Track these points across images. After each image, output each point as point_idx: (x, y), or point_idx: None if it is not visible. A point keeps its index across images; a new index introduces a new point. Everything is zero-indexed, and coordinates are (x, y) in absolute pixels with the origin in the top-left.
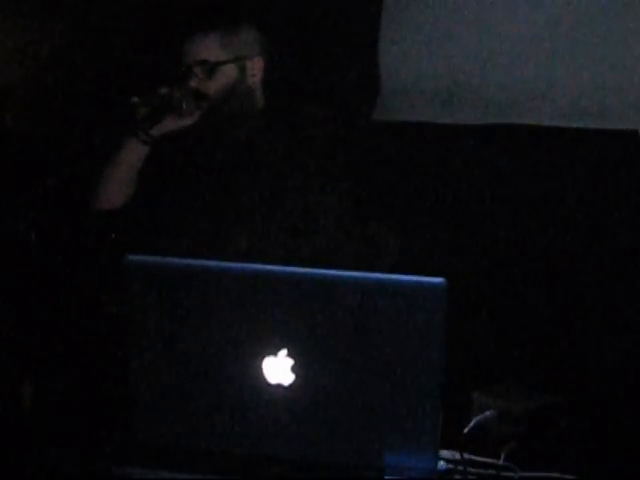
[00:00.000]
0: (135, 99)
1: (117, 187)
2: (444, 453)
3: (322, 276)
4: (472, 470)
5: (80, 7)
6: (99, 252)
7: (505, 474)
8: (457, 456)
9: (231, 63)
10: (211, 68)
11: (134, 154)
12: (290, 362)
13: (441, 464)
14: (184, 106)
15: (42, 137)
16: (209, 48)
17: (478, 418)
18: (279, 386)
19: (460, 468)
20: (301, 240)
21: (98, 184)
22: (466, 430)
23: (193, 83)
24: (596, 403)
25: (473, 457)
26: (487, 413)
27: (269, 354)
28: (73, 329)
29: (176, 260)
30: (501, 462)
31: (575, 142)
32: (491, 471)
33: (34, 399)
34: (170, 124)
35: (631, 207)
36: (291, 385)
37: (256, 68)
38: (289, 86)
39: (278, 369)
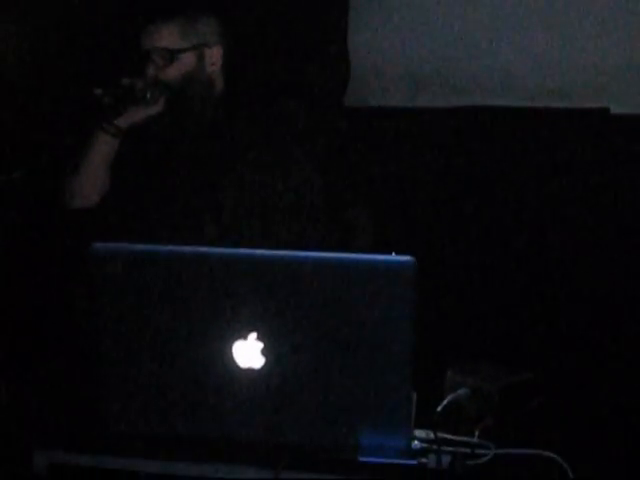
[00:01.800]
0: (98, 90)
1: (91, 184)
2: (418, 432)
3: (290, 258)
4: (446, 449)
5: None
6: (70, 247)
7: (480, 451)
8: (431, 435)
9: (190, 51)
10: (170, 55)
11: (104, 148)
12: (260, 345)
13: (415, 443)
14: (148, 95)
15: (6, 130)
16: (168, 36)
17: (451, 397)
18: (250, 370)
19: (434, 447)
20: (272, 226)
21: (71, 182)
22: (439, 409)
23: (152, 70)
24: (568, 379)
25: (447, 436)
26: (460, 391)
27: (239, 338)
28: (44, 323)
29: (142, 246)
30: (475, 440)
31: (543, 122)
32: (466, 449)
33: (8, 393)
34: (137, 114)
35: (603, 185)
36: (262, 368)
37: (215, 57)
38: (256, 74)
39: (248, 353)
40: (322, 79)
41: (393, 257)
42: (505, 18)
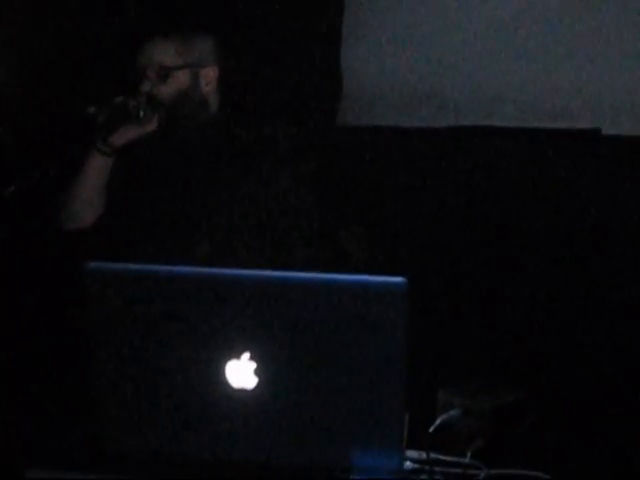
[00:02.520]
0: (92, 108)
1: (86, 205)
2: (410, 453)
3: (282, 278)
4: (438, 469)
5: (36, 17)
6: (64, 267)
7: (471, 472)
8: (423, 455)
9: (185, 69)
10: (165, 73)
11: (98, 166)
12: (253, 365)
13: (407, 464)
14: (141, 113)
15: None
16: (164, 52)
17: (443, 417)
18: (243, 390)
19: (426, 467)
20: (265, 246)
21: (66, 202)
22: (431, 429)
23: (146, 87)
24: (560, 400)
25: (439, 456)
26: (452, 412)
27: (232, 358)
28: (38, 343)
29: (136, 266)
30: (467, 460)
31: (535, 143)
32: (457, 470)
33: (1, 412)
34: (131, 133)
35: (594, 206)
36: (255, 388)
37: (210, 77)
38: (250, 93)
39: (241, 373)
40: (314, 98)
41: (385, 278)
42: (497, 39)
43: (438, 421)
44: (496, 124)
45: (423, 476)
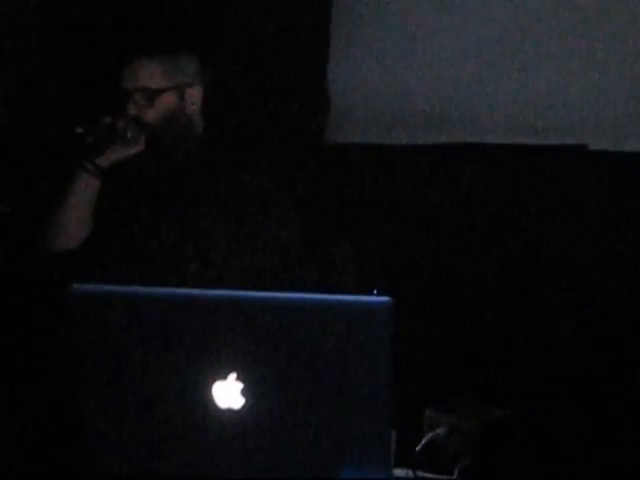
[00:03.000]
0: (79, 129)
1: (73, 226)
2: (397, 471)
3: (268, 299)
4: None
5: (23, 36)
6: (51, 289)
7: None
8: (411, 474)
9: (171, 90)
10: (151, 95)
11: (85, 187)
12: (240, 386)
13: None
14: (128, 135)
15: None
16: (150, 75)
17: (429, 435)
18: (230, 410)
19: None
20: (252, 264)
21: (53, 224)
22: (418, 448)
23: (133, 110)
24: (547, 417)
25: (426, 474)
26: (438, 430)
27: (218, 378)
28: (25, 364)
29: (121, 287)
30: (454, 478)
31: (522, 158)
32: None
33: None
34: (118, 153)
35: (581, 221)
36: (241, 409)
37: (195, 97)
38: (235, 111)
39: (228, 393)
40: (302, 116)
41: (370, 298)
42: (485, 57)
43: (425, 439)
44: (483, 141)
45: None
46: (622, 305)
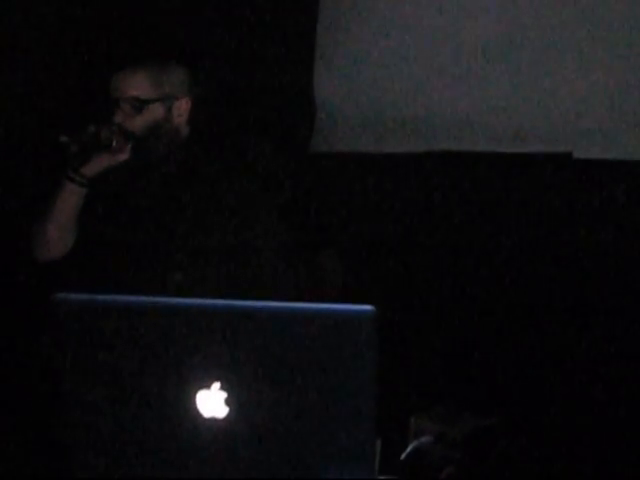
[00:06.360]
0: (64, 138)
1: (59, 235)
2: None
3: (252, 308)
4: None
5: (9, 45)
6: (35, 298)
7: None
8: None
9: (159, 101)
10: (139, 105)
11: (70, 196)
12: (223, 395)
13: None
14: (114, 143)
15: None
16: (139, 85)
17: (414, 444)
18: (213, 419)
19: None
20: (237, 272)
21: (38, 234)
22: (403, 456)
23: (119, 119)
24: (532, 425)
25: None
26: (423, 439)
27: (202, 388)
28: (8, 373)
29: (105, 297)
30: None
31: (507, 166)
32: None
33: None
34: (103, 162)
35: (565, 230)
36: (225, 418)
37: (183, 108)
38: (221, 119)
39: (212, 402)
40: (288, 125)
41: (354, 307)
42: (468, 64)
43: (409, 448)
44: (468, 149)
45: None
46: (607, 314)
